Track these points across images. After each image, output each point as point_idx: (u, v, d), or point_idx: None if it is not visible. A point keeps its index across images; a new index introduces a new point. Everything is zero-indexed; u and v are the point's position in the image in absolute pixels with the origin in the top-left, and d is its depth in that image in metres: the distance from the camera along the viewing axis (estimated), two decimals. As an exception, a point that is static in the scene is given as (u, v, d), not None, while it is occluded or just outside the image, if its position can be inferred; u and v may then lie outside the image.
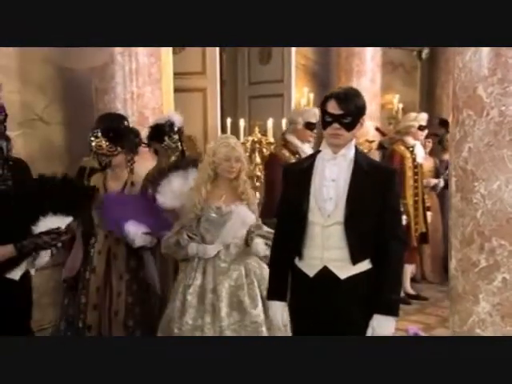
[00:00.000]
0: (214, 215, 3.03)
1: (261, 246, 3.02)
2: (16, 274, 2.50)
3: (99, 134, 3.29)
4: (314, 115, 4.15)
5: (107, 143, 3.28)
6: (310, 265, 2.43)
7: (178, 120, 3.72)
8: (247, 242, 3.07)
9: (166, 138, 3.64)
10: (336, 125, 2.35)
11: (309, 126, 4.18)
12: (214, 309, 2.98)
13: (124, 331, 3.28)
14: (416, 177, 5.18)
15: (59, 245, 2.55)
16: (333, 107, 2.35)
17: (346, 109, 2.34)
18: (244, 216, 3.05)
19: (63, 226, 2.51)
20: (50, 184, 2.56)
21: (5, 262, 2.43)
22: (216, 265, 3.06)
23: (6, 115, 2.55)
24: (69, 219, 2.55)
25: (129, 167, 3.41)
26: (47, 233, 2.46)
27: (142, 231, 3.23)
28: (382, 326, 2.35)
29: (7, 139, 2.55)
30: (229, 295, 3.01)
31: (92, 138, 3.29)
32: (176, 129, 3.67)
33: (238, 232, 3.06)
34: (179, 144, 3.67)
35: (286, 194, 2.54)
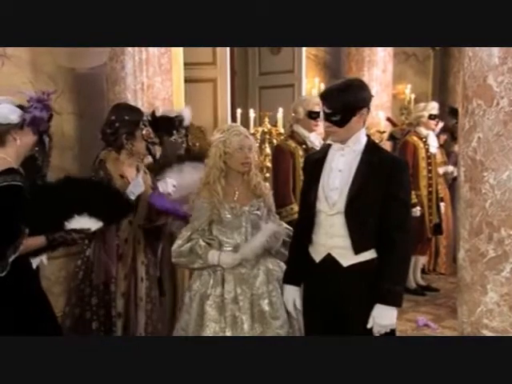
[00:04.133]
0: (228, 216, 2.75)
1: (270, 227, 2.75)
2: (35, 263, 2.56)
3: (146, 123, 3.21)
4: (316, 104, 3.88)
5: (151, 131, 3.22)
6: (317, 251, 2.51)
7: (188, 116, 3.76)
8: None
9: (175, 132, 3.68)
10: (327, 123, 2.41)
11: (310, 114, 3.91)
12: (236, 321, 2.70)
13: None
14: (429, 167, 5.14)
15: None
16: (321, 105, 2.43)
17: (331, 107, 2.37)
18: (273, 234, 2.72)
19: (93, 229, 2.52)
20: (93, 187, 2.65)
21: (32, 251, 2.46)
22: (236, 271, 2.75)
23: (51, 115, 2.56)
24: (100, 223, 2.53)
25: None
26: (77, 231, 2.48)
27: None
28: (382, 315, 2.36)
29: (49, 136, 2.60)
30: (250, 305, 2.72)
31: (142, 126, 3.20)
32: (185, 125, 3.70)
33: (262, 249, 2.74)
34: (186, 140, 3.71)
35: (303, 183, 2.67)
